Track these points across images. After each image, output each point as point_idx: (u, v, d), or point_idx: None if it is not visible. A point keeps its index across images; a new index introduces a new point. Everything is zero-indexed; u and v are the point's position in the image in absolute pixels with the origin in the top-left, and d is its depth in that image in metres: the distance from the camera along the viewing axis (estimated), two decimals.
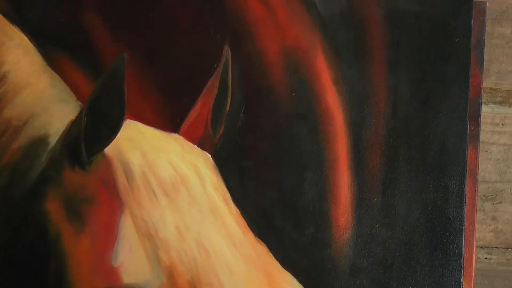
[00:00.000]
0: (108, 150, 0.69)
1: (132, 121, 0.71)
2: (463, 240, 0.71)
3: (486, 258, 0.82)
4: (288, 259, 0.71)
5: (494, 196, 0.82)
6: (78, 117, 0.69)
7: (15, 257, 0.69)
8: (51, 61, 0.73)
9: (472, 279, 0.71)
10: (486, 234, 0.82)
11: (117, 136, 0.68)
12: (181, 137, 0.73)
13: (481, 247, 0.82)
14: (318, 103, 0.74)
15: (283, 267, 0.71)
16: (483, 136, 0.79)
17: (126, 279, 0.66)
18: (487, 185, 0.83)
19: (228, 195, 0.72)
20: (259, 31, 0.75)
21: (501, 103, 0.83)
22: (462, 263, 0.71)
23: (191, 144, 0.73)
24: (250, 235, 0.71)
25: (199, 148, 0.73)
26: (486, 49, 0.76)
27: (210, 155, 0.73)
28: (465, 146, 0.73)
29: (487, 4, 0.76)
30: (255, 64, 0.74)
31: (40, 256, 0.68)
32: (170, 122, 0.72)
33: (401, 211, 0.72)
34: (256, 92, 0.74)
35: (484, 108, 0.80)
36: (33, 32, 0.73)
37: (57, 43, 0.73)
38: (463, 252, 0.71)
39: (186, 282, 0.66)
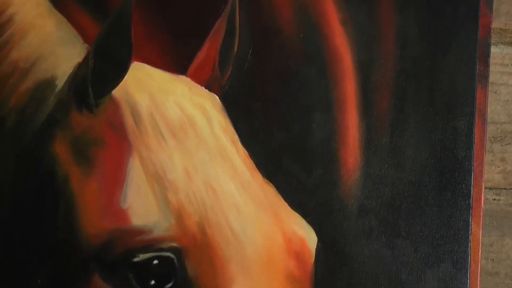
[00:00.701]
0: (116, 92, 0.68)
1: (139, 63, 0.71)
2: (472, 181, 0.71)
3: (494, 199, 0.82)
4: (296, 200, 0.71)
5: (503, 137, 0.82)
6: (85, 59, 0.69)
7: (23, 200, 0.69)
8: (57, 3, 0.72)
9: (481, 219, 0.71)
10: (495, 175, 0.82)
11: (124, 78, 0.68)
12: (189, 79, 0.73)
13: (490, 188, 0.82)
14: (326, 44, 0.73)
15: (291, 208, 0.71)
16: (492, 77, 0.78)
17: (135, 220, 0.66)
18: (496, 126, 0.82)
19: (236, 137, 0.72)
20: None
21: (510, 44, 0.82)
22: (471, 203, 0.71)
23: (199, 86, 0.72)
24: (258, 176, 0.71)
25: (206, 90, 0.73)
26: None
27: (217, 97, 0.73)
28: (474, 87, 0.73)
29: None
30: (263, 5, 0.73)
31: (48, 199, 0.68)
32: (178, 64, 0.72)
33: (409, 152, 0.72)
34: (264, 33, 0.73)
35: (493, 49, 0.79)
36: None
37: None
38: (471, 192, 0.71)
39: (195, 223, 0.67)
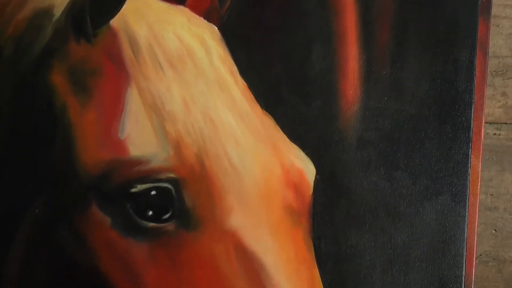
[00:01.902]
0: (114, 22, 0.68)
1: None
2: (472, 114, 0.71)
3: (495, 134, 0.82)
4: (295, 132, 0.70)
5: (504, 71, 0.81)
6: None
7: (20, 130, 0.68)
8: None
9: (480, 153, 0.71)
10: (496, 110, 0.82)
11: (122, 8, 0.67)
12: (187, 9, 0.72)
13: (490, 123, 0.82)
14: None
15: (290, 140, 0.70)
16: (494, 10, 0.77)
17: (133, 151, 0.66)
18: (498, 60, 0.81)
19: (234, 68, 0.71)
20: None
21: None
22: (471, 137, 0.70)
23: (198, 16, 0.72)
24: (257, 108, 0.71)
25: (205, 21, 0.72)
26: None
27: (216, 28, 0.72)
28: (476, 18, 0.72)
29: None
30: None
31: (46, 128, 0.68)
32: None
33: (409, 84, 0.71)
34: None
35: None
36: None
37: None
38: (471, 125, 0.70)
39: (193, 154, 0.66)
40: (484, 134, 0.72)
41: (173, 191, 0.66)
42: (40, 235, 0.68)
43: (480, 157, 0.70)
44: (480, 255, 0.81)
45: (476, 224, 0.69)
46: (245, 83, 0.70)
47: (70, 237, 0.67)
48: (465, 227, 0.69)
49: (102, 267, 0.67)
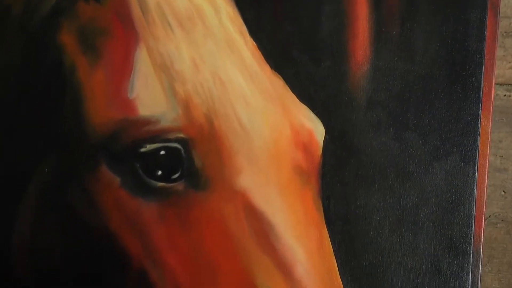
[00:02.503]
0: None
1: None
2: (482, 75, 0.70)
3: (505, 95, 0.82)
4: (304, 92, 0.70)
5: None
6: None
7: (29, 89, 0.68)
8: None
9: (490, 114, 0.70)
10: (506, 71, 0.81)
11: None
12: None
13: (500, 84, 0.81)
14: None
15: (299, 100, 0.70)
16: None
17: (142, 111, 0.66)
18: (509, 20, 0.81)
19: (244, 28, 0.71)
20: None
21: None
22: (481, 97, 0.70)
23: None
24: (267, 68, 0.70)
25: None
26: None
27: None
28: None
29: None
30: None
31: (55, 88, 0.68)
32: None
33: (420, 44, 0.71)
34: None
35: None
36: None
37: None
38: (482, 86, 0.70)
39: (202, 114, 0.66)
40: (494, 96, 0.72)
41: (182, 151, 0.66)
42: (50, 196, 0.68)
43: (490, 118, 0.70)
44: (489, 216, 0.81)
45: (486, 185, 0.69)
46: (254, 43, 0.70)
47: (80, 197, 0.68)
48: (474, 188, 0.69)
49: (111, 227, 0.67)
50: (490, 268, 0.83)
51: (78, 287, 0.69)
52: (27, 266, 0.70)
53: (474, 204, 0.68)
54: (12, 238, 0.70)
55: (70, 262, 0.69)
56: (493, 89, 0.70)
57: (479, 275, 0.69)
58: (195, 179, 0.67)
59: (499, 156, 0.82)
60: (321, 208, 0.69)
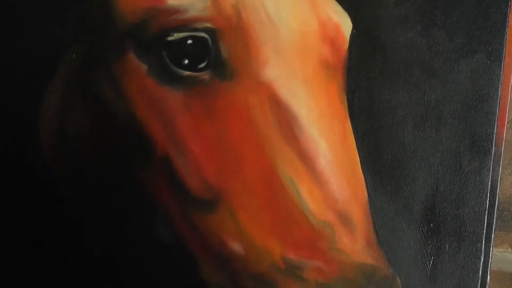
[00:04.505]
0: None
1: None
2: None
3: None
4: None
5: None
6: None
7: None
8: None
9: None
10: None
11: None
12: None
13: None
14: None
15: None
16: None
17: (170, 0, 0.66)
18: None
19: None
20: None
21: None
22: None
23: None
24: None
25: None
26: None
27: None
28: None
29: None
30: None
31: None
32: None
33: None
34: None
35: None
36: None
37: None
38: None
39: (230, 5, 0.66)
40: None
41: (209, 41, 0.66)
42: (77, 81, 0.69)
43: None
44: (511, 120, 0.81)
45: (511, 84, 0.69)
46: None
47: (107, 84, 0.68)
48: (499, 86, 0.69)
49: (137, 114, 0.68)
50: (510, 171, 0.83)
51: (105, 172, 0.70)
52: (54, 148, 0.71)
53: (498, 102, 0.68)
54: (40, 119, 0.70)
55: (97, 148, 0.70)
56: None
57: (500, 173, 0.69)
58: (221, 69, 0.67)
59: None
60: (346, 102, 0.69)
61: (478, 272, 0.70)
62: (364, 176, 0.69)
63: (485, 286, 0.70)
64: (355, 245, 0.70)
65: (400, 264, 0.70)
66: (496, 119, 0.68)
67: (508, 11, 0.69)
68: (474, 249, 0.70)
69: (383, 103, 0.68)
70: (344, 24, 0.70)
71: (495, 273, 0.80)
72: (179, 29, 0.67)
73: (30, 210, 0.72)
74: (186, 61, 0.66)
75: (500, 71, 0.69)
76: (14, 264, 0.72)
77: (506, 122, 0.69)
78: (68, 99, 0.70)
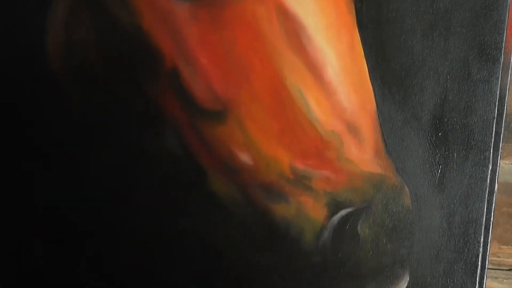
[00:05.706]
0: None
1: None
2: None
3: None
4: None
5: None
6: None
7: None
8: None
9: None
10: None
11: None
12: None
13: None
14: None
15: None
16: None
17: None
18: None
19: None
20: None
21: None
22: None
23: None
24: None
25: None
26: None
27: None
28: None
29: None
30: None
31: None
32: None
33: None
34: None
35: None
36: None
37: None
38: None
39: None
40: None
41: None
42: None
43: None
44: None
45: None
46: None
47: None
48: None
49: (144, 26, 0.67)
50: None
51: (112, 84, 0.70)
52: (61, 60, 0.71)
53: (507, 10, 0.68)
54: (46, 31, 0.70)
55: (104, 60, 0.70)
56: None
57: (508, 82, 0.69)
58: None
59: None
60: (353, 11, 0.69)
61: (486, 180, 0.70)
62: (372, 85, 0.69)
63: (493, 194, 0.70)
64: (363, 154, 0.70)
65: (408, 173, 0.71)
66: (506, 27, 0.68)
67: None
68: (482, 157, 0.70)
69: (391, 12, 0.68)
70: None
71: (501, 185, 0.80)
72: None
73: (37, 123, 0.72)
74: None
75: None
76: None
77: None
78: (75, 11, 0.70)
